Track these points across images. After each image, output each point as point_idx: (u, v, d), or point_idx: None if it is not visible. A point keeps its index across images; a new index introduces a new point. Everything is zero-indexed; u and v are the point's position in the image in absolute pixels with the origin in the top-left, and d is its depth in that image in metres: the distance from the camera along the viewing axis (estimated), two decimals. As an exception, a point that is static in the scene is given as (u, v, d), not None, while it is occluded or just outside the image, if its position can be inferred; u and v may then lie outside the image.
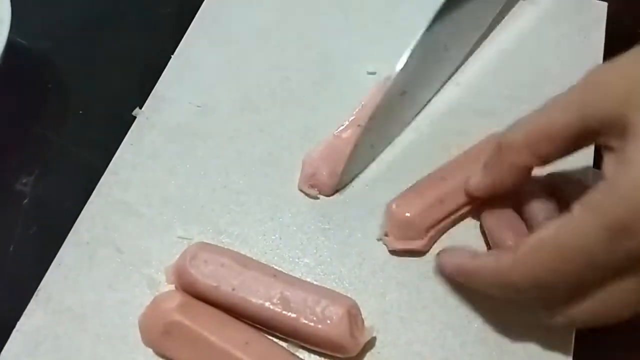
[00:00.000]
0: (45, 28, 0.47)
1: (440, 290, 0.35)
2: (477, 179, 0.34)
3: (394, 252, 0.36)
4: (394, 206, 0.35)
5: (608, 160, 0.26)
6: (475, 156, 0.36)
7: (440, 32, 0.38)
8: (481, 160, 0.33)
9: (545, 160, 0.30)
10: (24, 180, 0.40)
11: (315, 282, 0.35)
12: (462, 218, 0.36)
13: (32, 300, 0.35)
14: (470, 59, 0.44)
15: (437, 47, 0.39)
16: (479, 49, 0.44)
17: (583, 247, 0.25)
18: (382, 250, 0.36)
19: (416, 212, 0.35)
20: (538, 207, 0.33)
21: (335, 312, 0.31)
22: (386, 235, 0.36)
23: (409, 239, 0.35)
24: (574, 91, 0.28)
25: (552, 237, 0.26)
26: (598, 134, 0.27)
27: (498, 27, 0.45)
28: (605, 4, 0.45)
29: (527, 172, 0.31)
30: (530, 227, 0.33)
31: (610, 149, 0.26)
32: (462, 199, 0.35)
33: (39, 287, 0.35)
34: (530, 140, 0.29)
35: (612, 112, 0.26)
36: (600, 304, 0.27)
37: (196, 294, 0.33)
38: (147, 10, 0.48)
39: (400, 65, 0.36)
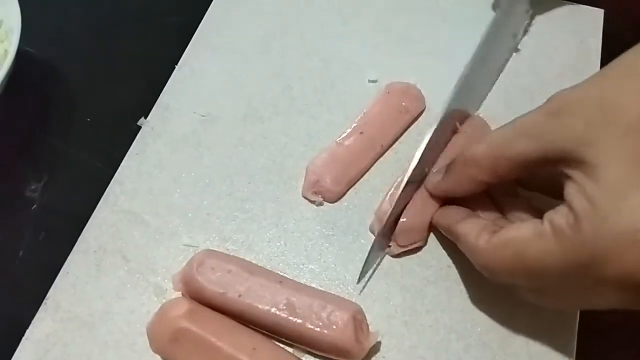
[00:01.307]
0: (53, 37, 0.48)
1: (444, 295, 0.35)
2: (436, 181, 0.35)
3: (396, 255, 0.36)
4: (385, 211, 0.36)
5: (571, 190, 0.26)
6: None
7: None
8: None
9: (505, 179, 0.31)
10: (33, 187, 0.41)
11: (320, 288, 0.35)
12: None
13: (40, 309, 0.35)
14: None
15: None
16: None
17: (541, 265, 0.27)
18: (385, 256, 0.36)
19: (411, 214, 0.36)
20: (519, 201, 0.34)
21: (341, 318, 0.31)
22: (388, 246, 0.36)
23: (411, 243, 0.36)
24: (535, 118, 0.29)
25: (519, 242, 0.28)
26: (557, 163, 0.27)
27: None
28: (602, 10, 0.46)
29: (485, 186, 0.32)
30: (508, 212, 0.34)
31: (569, 178, 0.27)
32: None
33: (47, 296, 0.36)
34: (490, 160, 0.30)
35: (570, 146, 0.26)
36: (554, 301, 0.29)
37: (203, 300, 0.33)
38: (153, 20, 0.49)
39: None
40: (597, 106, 0.26)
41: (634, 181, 0.24)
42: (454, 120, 0.39)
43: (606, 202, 0.25)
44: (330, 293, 0.34)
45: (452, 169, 0.33)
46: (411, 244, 0.36)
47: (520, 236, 0.28)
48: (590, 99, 0.26)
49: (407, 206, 0.36)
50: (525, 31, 0.45)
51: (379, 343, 0.33)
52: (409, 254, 0.36)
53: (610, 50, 0.44)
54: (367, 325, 0.33)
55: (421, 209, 0.36)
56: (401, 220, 0.35)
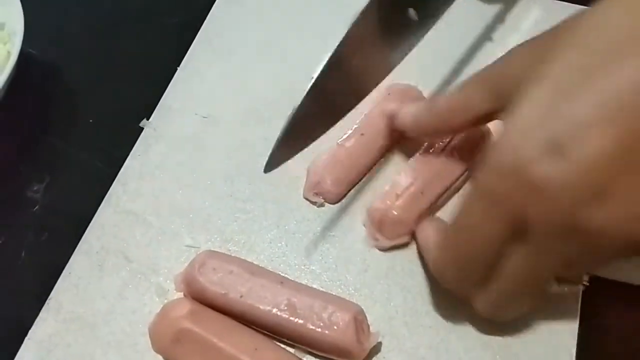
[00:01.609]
0: (55, 39, 0.48)
1: (444, 295, 0.35)
2: (418, 113, 0.36)
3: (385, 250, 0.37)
4: (377, 208, 0.36)
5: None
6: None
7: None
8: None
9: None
10: (35, 188, 0.41)
11: (321, 289, 0.35)
12: (442, 204, 0.38)
13: (43, 309, 0.35)
14: (466, 64, 0.44)
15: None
16: (473, 56, 0.45)
17: (469, 225, 0.27)
18: (386, 256, 0.37)
19: (400, 208, 0.36)
20: None
21: (342, 318, 0.31)
22: (376, 239, 0.36)
23: (398, 236, 0.36)
24: (488, 68, 0.31)
25: (455, 220, 0.28)
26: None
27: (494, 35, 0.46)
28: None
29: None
30: None
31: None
32: (439, 187, 0.36)
33: (49, 296, 0.36)
34: (447, 111, 0.33)
35: (511, 88, 0.27)
36: (503, 284, 0.28)
37: (205, 301, 0.33)
38: (154, 21, 0.49)
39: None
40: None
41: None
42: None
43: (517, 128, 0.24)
44: (331, 294, 0.34)
45: (435, 107, 0.34)
46: (398, 238, 0.36)
47: (456, 212, 0.28)
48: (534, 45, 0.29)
49: (397, 201, 0.36)
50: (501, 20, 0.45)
51: (379, 343, 0.33)
52: (405, 255, 0.37)
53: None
54: (368, 326, 0.33)
55: (410, 204, 0.36)
56: (391, 212, 0.36)
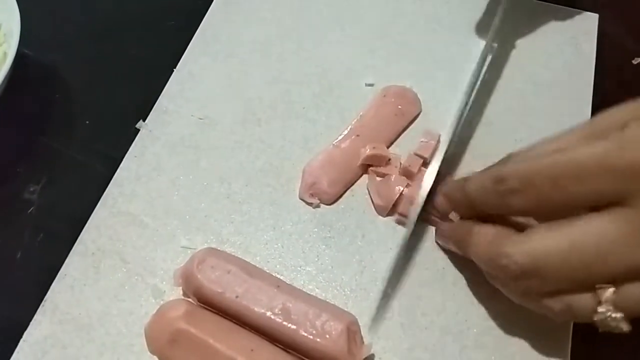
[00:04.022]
0: (52, 40, 0.48)
1: (440, 297, 0.35)
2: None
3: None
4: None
5: None
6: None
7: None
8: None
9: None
10: (32, 189, 0.41)
11: (317, 290, 0.35)
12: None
13: (38, 311, 0.35)
14: (463, 67, 0.44)
15: None
16: (470, 59, 0.45)
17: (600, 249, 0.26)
18: (382, 258, 0.37)
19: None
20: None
21: (335, 327, 0.31)
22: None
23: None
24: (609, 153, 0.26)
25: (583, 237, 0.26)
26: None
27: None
28: (597, 15, 0.47)
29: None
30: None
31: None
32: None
33: (45, 298, 0.36)
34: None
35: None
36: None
37: (201, 298, 0.33)
38: (152, 23, 0.49)
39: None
40: None
41: None
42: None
43: None
44: (328, 302, 0.34)
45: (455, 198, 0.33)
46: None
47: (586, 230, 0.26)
48: None
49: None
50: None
51: (372, 355, 0.33)
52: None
53: (605, 55, 0.45)
54: (362, 337, 0.33)
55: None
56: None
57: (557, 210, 0.28)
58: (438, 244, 0.37)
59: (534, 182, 0.27)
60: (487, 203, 0.31)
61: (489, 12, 0.47)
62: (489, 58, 0.44)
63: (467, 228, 0.32)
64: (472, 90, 0.40)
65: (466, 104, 0.40)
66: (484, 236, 0.31)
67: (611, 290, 0.26)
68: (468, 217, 0.33)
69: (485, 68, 0.43)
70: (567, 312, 0.28)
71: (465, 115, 0.41)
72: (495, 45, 0.43)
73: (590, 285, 0.27)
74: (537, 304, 0.29)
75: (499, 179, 0.29)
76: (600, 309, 0.27)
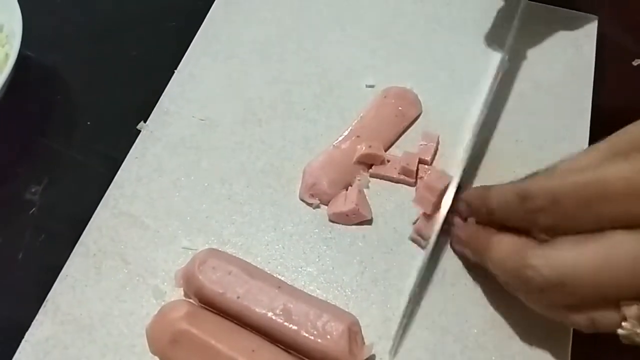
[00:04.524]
0: (53, 41, 0.48)
1: (440, 297, 0.35)
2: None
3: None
4: None
5: None
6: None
7: None
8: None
9: None
10: (33, 190, 0.41)
11: (318, 291, 0.36)
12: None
13: (40, 311, 0.35)
14: (463, 68, 0.45)
15: None
16: (470, 60, 0.45)
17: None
18: (383, 259, 0.37)
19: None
20: None
21: (336, 328, 0.31)
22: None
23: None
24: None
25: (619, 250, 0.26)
26: None
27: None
28: (596, 17, 0.47)
29: None
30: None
31: None
32: None
33: (46, 298, 0.36)
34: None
35: None
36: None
37: (202, 298, 0.33)
38: (155, 25, 0.49)
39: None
40: None
41: None
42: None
43: None
44: (329, 303, 0.34)
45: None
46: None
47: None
48: None
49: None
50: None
51: (373, 355, 0.33)
52: (402, 258, 0.37)
53: (605, 57, 0.45)
54: (363, 338, 0.33)
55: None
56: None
57: (583, 227, 0.28)
58: (453, 249, 0.36)
59: (561, 201, 0.27)
60: (509, 217, 0.31)
61: (498, 23, 0.46)
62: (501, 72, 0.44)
63: (485, 236, 0.32)
64: (488, 106, 0.40)
65: (483, 121, 0.39)
66: (505, 246, 0.31)
67: (636, 307, 0.26)
68: (486, 224, 0.33)
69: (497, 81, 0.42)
70: (591, 326, 0.28)
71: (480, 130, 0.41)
72: (507, 57, 0.42)
73: (615, 300, 0.27)
74: (559, 316, 0.29)
75: (525, 196, 0.29)
76: (625, 325, 0.27)
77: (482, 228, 0.33)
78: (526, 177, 0.32)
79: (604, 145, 0.28)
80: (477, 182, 0.39)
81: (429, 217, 0.36)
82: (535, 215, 0.29)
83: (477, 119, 0.39)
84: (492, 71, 0.43)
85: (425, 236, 0.36)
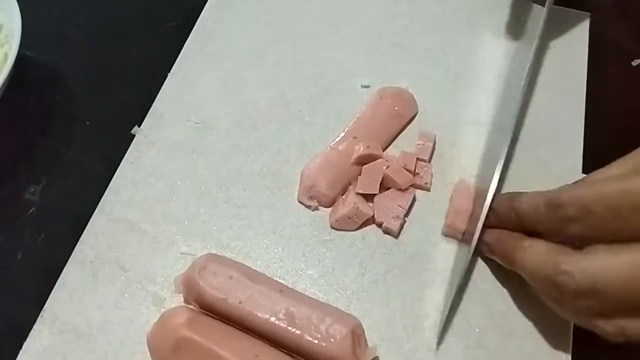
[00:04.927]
0: (53, 42, 0.48)
1: (442, 297, 0.35)
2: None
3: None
4: None
5: None
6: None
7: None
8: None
9: None
10: (32, 190, 0.40)
11: (319, 293, 0.35)
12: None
13: (37, 321, 0.35)
14: (458, 68, 0.45)
15: None
16: (466, 59, 0.45)
17: None
18: (383, 260, 0.37)
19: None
20: None
21: (339, 331, 0.31)
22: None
23: None
24: None
25: None
26: None
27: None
28: (588, 13, 0.47)
29: None
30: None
31: None
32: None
33: (44, 307, 0.35)
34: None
35: None
36: None
37: (203, 304, 0.33)
38: (154, 25, 0.49)
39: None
40: None
41: None
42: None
43: None
44: (331, 305, 0.34)
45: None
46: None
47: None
48: None
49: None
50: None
51: (376, 357, 0.33)
52: (402, 258, 0.37)
53: (604, 57, 0.45)
54: (366, 340, 0.33)
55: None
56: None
57: (615, 235, 0.28)
58: (480, 252, 0.36)
59: (594, 211, 0.28)
60: (539, 224, 0.31)
61: (490, 14, 0.46)
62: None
63: (515, 241, 0.32)
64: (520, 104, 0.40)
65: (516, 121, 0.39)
66: (537, 251, 0.31)
67: None
68: (514, 230, 0.33)
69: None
70: (620, 334, 0.28)
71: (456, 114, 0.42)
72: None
73: None
74: (589, 323, 0.29)
75: (556, 205, 0.29)
76: None
77: (510, 233, 0.33)
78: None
79: (633, 156, 0.29)
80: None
81: (459, 213, 0.37)
82: (566, 224, 0.29)
83: (510, 124, 0.38)
84: (495, 70, 0.43)
85: (460, 230, 0.37)
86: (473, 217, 0.36)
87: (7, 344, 0.34)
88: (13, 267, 0.38)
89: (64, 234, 0.38)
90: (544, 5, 0.43)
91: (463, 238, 0.37)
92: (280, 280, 0.36)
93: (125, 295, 0.36)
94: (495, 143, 0.40)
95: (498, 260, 0.34)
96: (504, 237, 0.34)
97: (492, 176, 0.36)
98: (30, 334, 0.34)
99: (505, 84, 0.44)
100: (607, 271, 0.27)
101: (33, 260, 0.38)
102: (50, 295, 0.36)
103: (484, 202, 0.35)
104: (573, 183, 0.31)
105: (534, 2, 0.47)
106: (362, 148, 0.39)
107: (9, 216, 0.40)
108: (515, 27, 0.47)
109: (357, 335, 0.32)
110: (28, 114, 0.44)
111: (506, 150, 0.37)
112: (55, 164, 0.42)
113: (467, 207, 0.37)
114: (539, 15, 0.45)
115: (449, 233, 0.37)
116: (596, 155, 0.40)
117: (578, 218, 0.28)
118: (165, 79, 0.44)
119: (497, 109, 0.42)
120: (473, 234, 0.35)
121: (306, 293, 0.35)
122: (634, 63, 0.46)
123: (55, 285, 0.36)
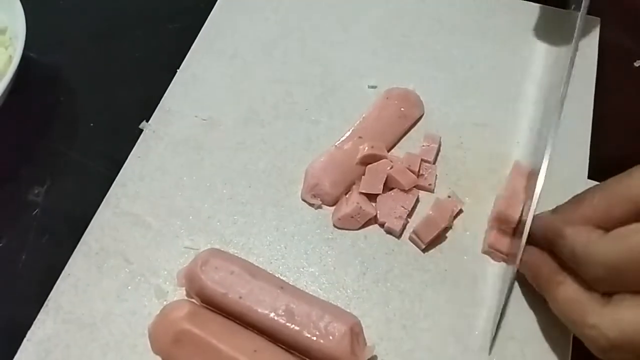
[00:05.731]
0: (56, 43, 0.48)
1: (442, 298, 0.36)
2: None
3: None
4: None
5: None
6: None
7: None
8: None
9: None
10: (36, 191, 0.41)
11: (319, 291, 0.36)
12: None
13: (42, 310, 0.35)
14: (464, 69, 0.45)
15: None
16: (471, 61, 0.45)
17: None
18: (384, 260, 0.37)
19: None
20: None
21: (338, 329, 0.31)
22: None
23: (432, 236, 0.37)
24: None
25: None
26: None
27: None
28: (598, 18, 0.47)
29: None
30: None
31: None
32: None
33: (48, 297, 0.36)
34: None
35: None
36: None
37: (204, 298, 0.33)
38: (156, 26, 0.49)
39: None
40: None
41: None
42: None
43: None
44: (331, 303, 0.35)
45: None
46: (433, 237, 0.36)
47: None
48: None
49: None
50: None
51: (374, 356, 0.33)
52: (403, 259, 0.37)
53: (606, 58, 0.45)
54: (364, 338, 0.33)
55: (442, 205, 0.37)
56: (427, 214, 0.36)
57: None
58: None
59: (624, 271, 0.28)
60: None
61: (494, 15, 0.46)
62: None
63: (549, 272, 0.32)
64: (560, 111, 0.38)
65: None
66: (567, 294, 0.30)
67: None
68: (552, 252, 0.32)
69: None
70: None
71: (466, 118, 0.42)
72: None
73: None
74: None
75: (580, 264, 0.29)
76: None
77: (547, 257, 0.33)
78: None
79: None
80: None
81: (502, 231, 0.36)
82: (594, 283, 0.29)
83: (551, 128, 0.37)
84: (503, 73, 0.43)
85: (501, 251, 0.36)
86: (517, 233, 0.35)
87: (7, 344, 0.35)
88: (17, 268, 0.38)
89: (68, 234, 0.38)
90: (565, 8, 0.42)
91: (505, 259, 0.36)
92: (281, 277, 0.36)
93: (129, 287, 0.36)
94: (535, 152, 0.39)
95: (530, 281, 0.34)
96: (540, 261, 0.33)
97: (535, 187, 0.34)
98: (34, 322, 0.35)
99: (515, 88, 0.44)
100: (636, 323, 0.27)
101: (37, 261, 0.38)
102: (55, 286, 0.36)
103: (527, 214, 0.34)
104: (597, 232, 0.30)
105: (556, 7, 0.47)
106: (366, 148, 0.39)
107: (13, 217, 0.40)
108: (526, 31, 0.47)
109: (355, 333, 0.32)
110: (31, 115, 0.45)
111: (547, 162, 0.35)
112: (58, 165, 0.42)
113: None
114: (546, 18, 0.45)
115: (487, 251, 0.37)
116: (601, 160, 0.39)
117: (605, 279, 0.28)
118: (168, 79, 0.45)
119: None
120: (515, 255, 0.34)
121: (307, 291, 0.35)
122: (637, 64, 0.46)
123: (60, 276, 0.37)
